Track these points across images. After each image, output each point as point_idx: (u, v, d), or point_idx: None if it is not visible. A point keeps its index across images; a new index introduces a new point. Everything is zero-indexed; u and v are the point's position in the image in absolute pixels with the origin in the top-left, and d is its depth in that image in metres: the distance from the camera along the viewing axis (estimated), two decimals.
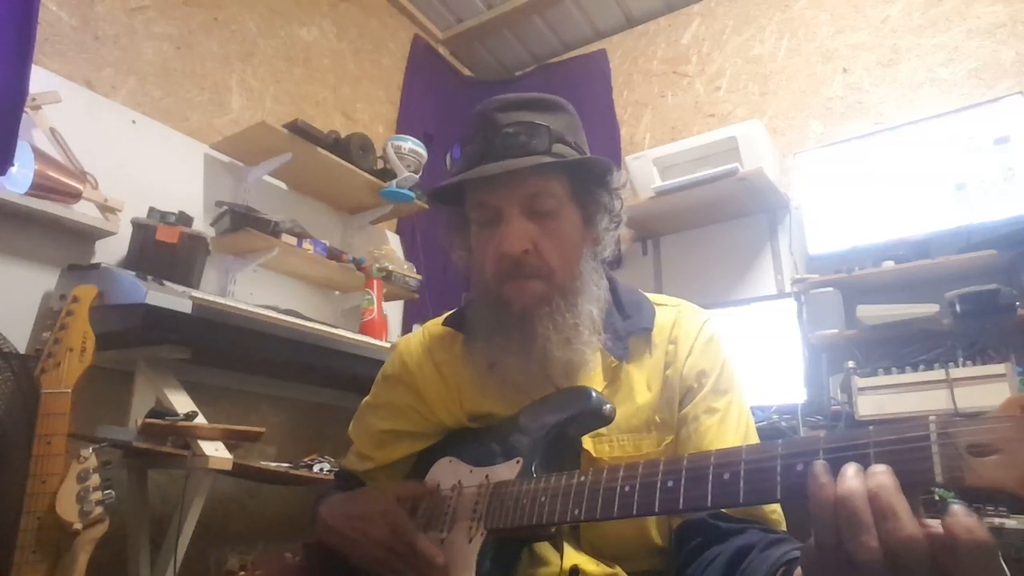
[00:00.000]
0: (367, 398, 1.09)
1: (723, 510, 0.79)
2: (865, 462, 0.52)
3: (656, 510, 0.64)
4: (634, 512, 0.66)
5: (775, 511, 0.82)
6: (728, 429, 0.87)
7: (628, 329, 0.94)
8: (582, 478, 0.73)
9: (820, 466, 0.53)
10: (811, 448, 0.55)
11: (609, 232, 0.96)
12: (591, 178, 0.93)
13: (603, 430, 0.87)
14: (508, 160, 0.86)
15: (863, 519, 0.49)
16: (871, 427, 0.53)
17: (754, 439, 0.90)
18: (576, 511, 0.71)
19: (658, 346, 0.93)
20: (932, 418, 0.51)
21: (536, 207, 0.88)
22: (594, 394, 0.85)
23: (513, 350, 0.88)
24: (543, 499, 0.75)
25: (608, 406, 0.84)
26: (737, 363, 0.94)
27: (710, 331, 0.95)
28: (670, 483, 0.63)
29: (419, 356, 1.03)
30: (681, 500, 0.62)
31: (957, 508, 0.46)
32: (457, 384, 0.98)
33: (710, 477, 0.61)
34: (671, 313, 0.97)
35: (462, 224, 0.96)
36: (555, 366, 0.88)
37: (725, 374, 0.92)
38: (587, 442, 0.87)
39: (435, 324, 1.06)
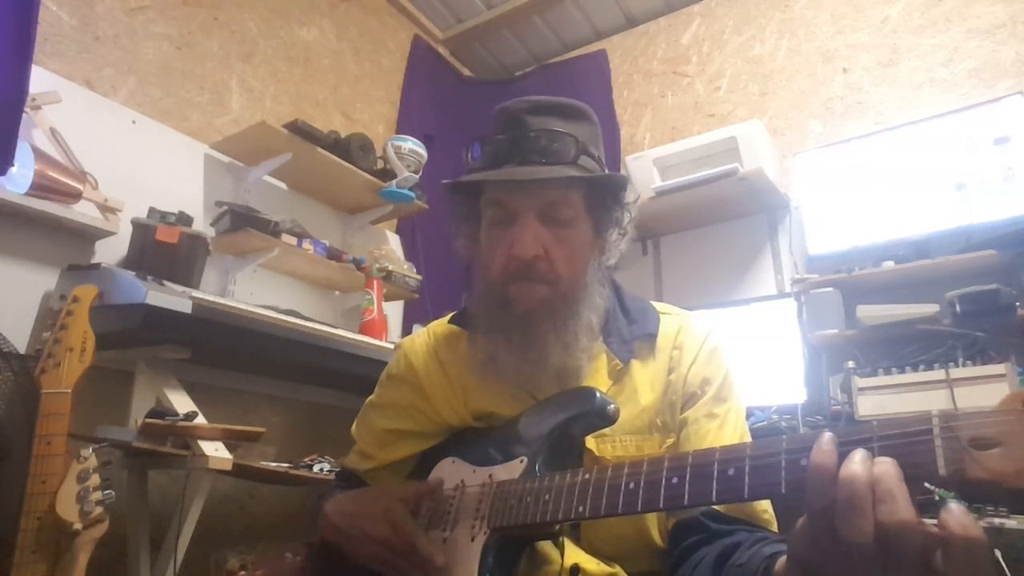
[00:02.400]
0: (371, 397, 1.09)
1: (717, 508, 0.80)
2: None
3: (661, 506, 0.65)
4: (639, 508, 0.66)
5: (766, 510, 0.84)
6: (726, 435, 0.89)
7: (633, 334, 0.96)
8: (586, 476, 0.73)
9: (828, 438, 0.53)
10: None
11: (616, 243, 0.97)
12: (608, 193, 0.95)
13: (606, 430, 0.87)
14: (535, 166, 0.88)
15: (862, 503, 0.49)
16: (874, 421, 0.54)
17: None
18: (580, 508, 0.71)
19: (662, 351, 0.95)
20: (935, 412, 0.51)
21: (553, 214, 0.89)
22: (598, 394, 0.86)
23: (511, 349, 0.90)
24: (547, 497, 0.75)
25: (612, 406, 0.84)
26: (737, 373, 0.97)
27: (715, 341, 0.97)
28: (675, 479, 0.64)
29: (424, 356, 1.03)
30: (686, 496, 0.62)
31: (954, 506, 0.47)
32: (462, 383, 0.98)
33: (715, 473, 0.61)
34: (675, 321, 0.99)
35: (473, 216, 0.97)
36: (550, 370, 0.90)
37: (727, 383, 0.94)
38: (590, 442, 0.88)
39: (440, 324, 1.07)
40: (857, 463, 0.50)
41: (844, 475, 0.50)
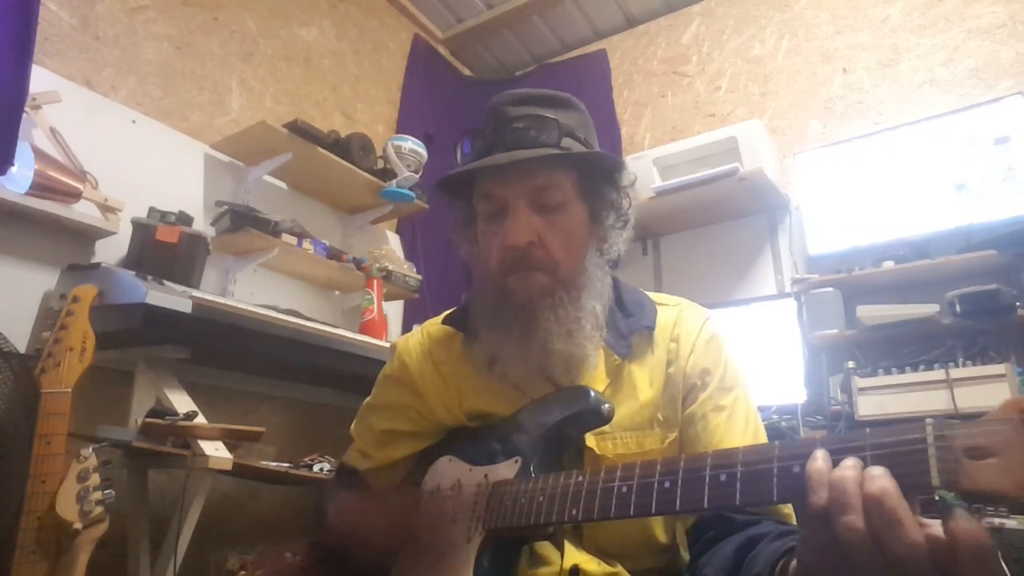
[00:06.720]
0: (368, 398, 1.09)
1: None
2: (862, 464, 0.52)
3: (653, 511, 0.64)
4: (631, 513, 0.66)
5: (786, 505, 0.82)
6: (736, 426, 0.87)
7: (631, 328, 0.94)
8: (580, 478, 0.73)
9: (821, 452, 0.54)
10: (808, 450, 0.55)
11: (615, 230, 0.95)
12: (599, 174, 0.93)
13: (606, 428, 0.86)
14: (517, 151, 0.86)
15: (851, 500, 0.49)
16: (868, 429, 0.54)
17: (762, 435, 0.91)
18: (574, 511, 0.71)
19: (660, 344, 0.94)
20: (929, 421, 0.51)
21: (543, 200, 0.88)
22: (592, 393, 0.85)
23: (513, 343, 0.88)
24: (541, 499, 0.75)
25: (607, 405, 0.84)
26: (740, 360, 0.94)
27: (711, 329, 0.95)
28: (667, 484, 0.63)
29: (418, 356, 1.03)
30: (678, 501, 0.62)
31: (959, 511, 0.47)
32: (456, 383, 0.98)
33: (707, 478, 0.61)
34: (672, 312, 0.97)
35: (470, 218, 0.97)
36: (555, 359, 0.88)
37: (729, 371, 0.92)
38: (590, 439, 0.87)
39: (434, 324, 1.06)
40: (847, 467, 0.51)
41: (834, 477, 0.51)
